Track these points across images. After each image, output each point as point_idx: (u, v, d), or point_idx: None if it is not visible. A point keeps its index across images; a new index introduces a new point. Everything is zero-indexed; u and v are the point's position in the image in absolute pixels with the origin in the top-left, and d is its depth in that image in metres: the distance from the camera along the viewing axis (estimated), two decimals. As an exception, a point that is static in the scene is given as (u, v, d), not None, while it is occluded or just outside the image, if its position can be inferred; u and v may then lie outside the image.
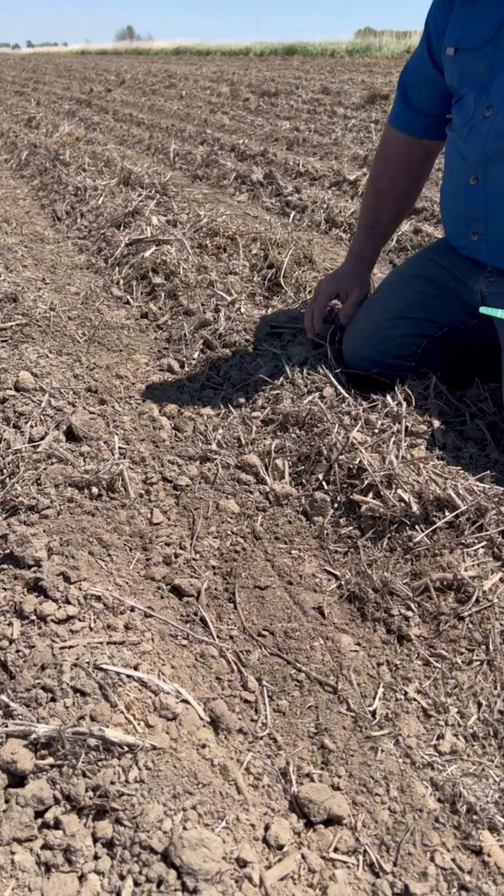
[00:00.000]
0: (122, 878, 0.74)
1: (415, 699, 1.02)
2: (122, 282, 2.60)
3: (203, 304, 2.23)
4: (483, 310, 1.33)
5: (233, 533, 1.34)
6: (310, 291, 2.25)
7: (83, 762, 0.81)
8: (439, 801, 0.88)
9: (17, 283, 2.49)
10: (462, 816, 0.86)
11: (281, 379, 1.75)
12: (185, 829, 0.76)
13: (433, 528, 1.24)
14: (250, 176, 4.10)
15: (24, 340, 1.99)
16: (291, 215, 3.38)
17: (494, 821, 0.85)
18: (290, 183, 3.93)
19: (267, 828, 0.82)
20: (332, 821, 0.86)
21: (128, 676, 0.92)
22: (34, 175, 4.49)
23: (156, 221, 3.01)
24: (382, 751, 0.95)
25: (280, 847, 0.81)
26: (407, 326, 1.72)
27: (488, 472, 1.33)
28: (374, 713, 1.00)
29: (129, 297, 2.48)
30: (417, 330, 1.72)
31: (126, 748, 0.83)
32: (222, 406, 1.74)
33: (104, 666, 0.92)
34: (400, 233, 2.87)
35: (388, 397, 1.59)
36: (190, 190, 3.92)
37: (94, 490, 1.35)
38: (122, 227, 3.08)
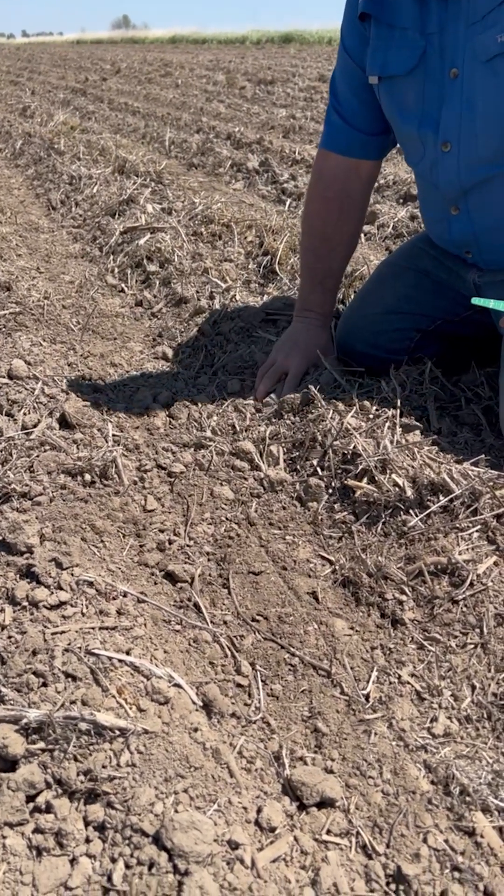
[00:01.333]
0: (113, 860, 0.73)
1: (408, 682, 1.02)
2: (116, 270, 2.59)
3: (198, 292, 2.22)
4: (475, 301, 1.32)
5: (227, 519, 1.33)
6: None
7: (74, 746, 0.81)
8: (432, 783, 0.88)
9: (10, 272, 2.48)
10: (455, 798, 0.86)
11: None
12: (176, 811, 0.75)
13: (427, 512, 1.23)
14: (246, 164, 4.08)
15: (17, 329, 1.98)
16: (287, 203, 3.36)
17: (487, 802, 0.84)
18: (286, 170, 3.91)
19: (259, 810, 0.82)
20: (324, 803, 0.86)
21: (120, 661, 0.91)
22: (29, 164, 4.47)
23: (151, 209, 2.99)
24: (376, 734, 0.95)
25: (272, 829, 0.81)
26: (400, 321, 1.71)
27: (483, 455, 1.32)
28: (367, 697, 1.00)
29: (123, 285, 2.47)
30: (410, 325, 1.71)
31: (117, 732, 0.82)
32: (217, 393, 1.73)
33: (96, 651, 0.91)
34: (396, 219, 2.85)
35: (383, 382, 1.58)
36: (185, 178, 3.90)
37: (87, 477, 1.34)
38: (116, 216, 3.06)
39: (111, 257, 2.70)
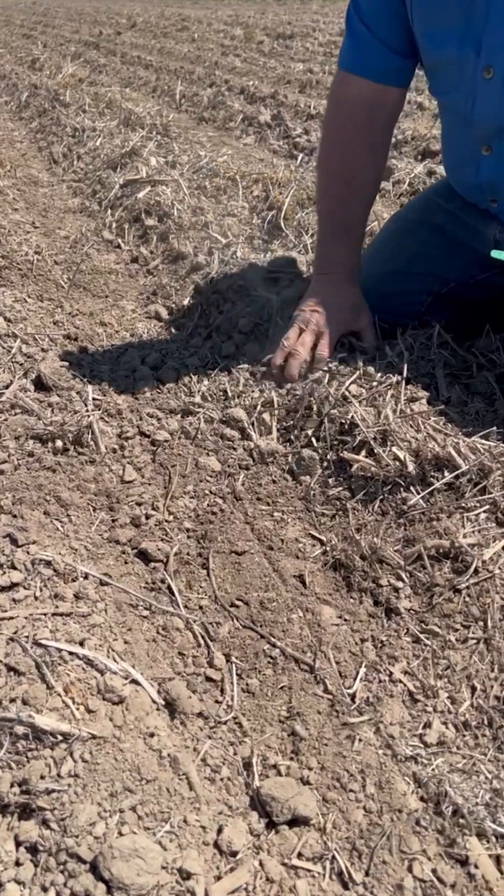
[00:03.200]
0: (44, 889, 0.63)
1: (400, 681, 0.91)
2: (114, 225, 2.45)
3: (196, 248, 2.08)
4: (495, 253, 1.18)
5: (211, 493, 1.22)
6: (312, 234, 2.09)
7: (8, 752, 0.71)
8: (422, 799, 0.77)
9: (1, 225, 2.35)
10: (447, 819, 0.75)
11: (273, 327, 1.61)
12: (120, 834, 0.65)
13: (430, 489, 1.11)
14: (258, 118, 3.89)
15: (1, 284, 1.86)
16: (299, 157, 3.18)
17: (484, 826, 0.74)
18: (299, 125, 3.72)
19: (220, 831, 0.72)
20: (297, 821, 0.75)
21: (70, 654, 0.81)
22: (33, 117, 4.30)
23: (154, 162, 2.84)
24: (360, 740, 0.84)
25: (234, 854, 0.70)
26: (410, 282, 1.56)
27: (494, 428, 1.19)
28: (353, 696, 0.89)
29: (120, 240, 2.34)
30: (421, 286, 1.56)
31: (60, 737, 0.72)
32: (209, 355, 1.61)
33: (44, 641, 0.81)
34: (412, 175, 2.68)
35: (388, 347, 1.45)
36: (194, 132, 3.72)
37: (59, 444, 1.23)
38: (118, 169, 2.91)
39: (109, 212, 2.55)
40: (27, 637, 0.81)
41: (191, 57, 6.85)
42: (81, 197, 2.87)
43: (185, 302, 1.86)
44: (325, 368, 1.35)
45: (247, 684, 0.91)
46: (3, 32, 10.53)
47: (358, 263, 1.51)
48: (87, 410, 1.34)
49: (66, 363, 1.51)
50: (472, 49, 1.20)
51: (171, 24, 10.33)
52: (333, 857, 0.72)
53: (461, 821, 0.74)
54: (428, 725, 0.85)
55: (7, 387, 1.34)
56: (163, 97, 4.87)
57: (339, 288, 1.46)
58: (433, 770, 0.80)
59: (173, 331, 1.76)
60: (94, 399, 1.41)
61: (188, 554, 1.10)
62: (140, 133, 3.35)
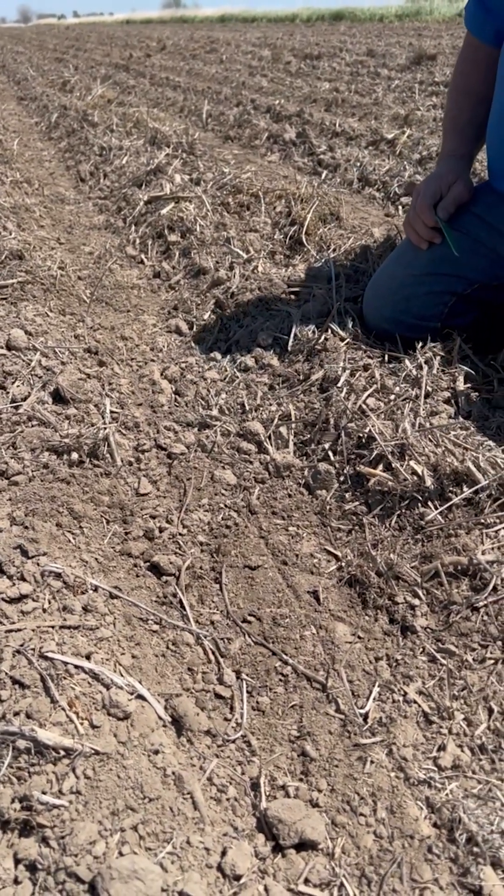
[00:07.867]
0: (41, 909, 0.62)
1: (415, 701, 0.88)
2: (137, 241, 2.46)
3: (217, 263, 2.08)
4: None
5: (226, 506, 1.20)
6: (334, 249, 2.09)
7: (11, 767, 0.69)
8: (435, 826, 0.75)
9: (27, 241, 2.37)
10: (461, 847, 0.72)
11: (293, 341, 1.60)
12: (120, 854, 0.63)
13: (448, 505, 1.09)
14: (283, 135, 3.91)
15: (23, 298, 1.87)
16: (323, 174, 3.19)
17: (499, 855, 0.71)
18: (324, 142, 3.73)
19: (224, 853, 0.69)
20: (304, 845, 0.73)
21: (76, 667, 0.80)
22: (62, 137, 4.36)
23: (178, 179, 2.86)
24: (372, 762, 0.81)
25: (237, 878, 0.68)
26: (433, 283, 1.55)
27: (515, 443, 1.16)
28: (366, 716, 0.87)
29: (143, 256, 2.35)
30: (445, 287, 1.55)
31: (62, 752, 0.70)
32: (228, 369, 1.60)
33: (50, 654, 0.79)
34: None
35: (407, 360, 1.43)
36: (220, 150, 3.75)
37: (75, 456, 1.22)
38: (143, 186, 2.93)
39: (133, 228, 2.57)
40: (33, 650, 0.80)
41: (218, 77, 6.93)
42: (107, 214, 2.89)
43: (206, 316, 1.86)
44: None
45: (257, 702, 0.89)
46: (36, 56, 10.77)
47: (468, 154, 1.71)
48: (105, 423, 1.34)
49: (85, 376, 1.51)
50: None
51: (200, 47, 10.48)
52: (342, 883, 0.70)
53: (475, 849, 0.71)
54: (442, 748, 0.82)
55: (25, 398, 1.34)
56: (190, 117, 4.93)
57: (446, 164, 1.66)
58: (447, 795, 0.77)
59: (193, 345, 1.76)
60: (111, 412, 1.41)
61: (201, 568, 1.09)
62: (166, 151, 3.39)
